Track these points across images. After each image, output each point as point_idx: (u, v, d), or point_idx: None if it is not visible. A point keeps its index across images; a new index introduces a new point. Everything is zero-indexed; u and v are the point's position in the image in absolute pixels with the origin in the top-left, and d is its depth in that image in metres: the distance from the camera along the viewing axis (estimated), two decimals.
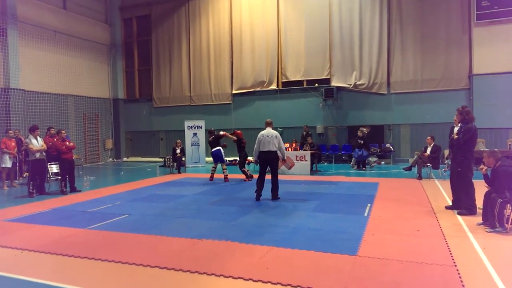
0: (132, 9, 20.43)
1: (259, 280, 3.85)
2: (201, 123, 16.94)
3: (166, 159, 15.11)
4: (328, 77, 16.37)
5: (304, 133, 15.23)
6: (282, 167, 12.92)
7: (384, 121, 15.75)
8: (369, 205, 7.39)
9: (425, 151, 11.05)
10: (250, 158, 13.05)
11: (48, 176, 10.42)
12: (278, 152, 8.28)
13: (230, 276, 3.98)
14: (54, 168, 10.37)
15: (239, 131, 12.23)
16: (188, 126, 16.69)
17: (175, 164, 14.24)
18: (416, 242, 4.97)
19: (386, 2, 15.37)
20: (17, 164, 11.90)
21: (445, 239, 5.08)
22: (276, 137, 8.27)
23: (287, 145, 13.42)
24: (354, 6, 15.81)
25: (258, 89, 17.59)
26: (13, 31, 14.67)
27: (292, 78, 17.02)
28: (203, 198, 8.72)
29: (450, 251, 4.60)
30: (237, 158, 17.19)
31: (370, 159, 14.67)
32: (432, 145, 10.92)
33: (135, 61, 20.79)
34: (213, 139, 11.80)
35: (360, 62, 15.82)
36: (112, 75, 20.39)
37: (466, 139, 6.37)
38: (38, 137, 9.71)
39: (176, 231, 5.80)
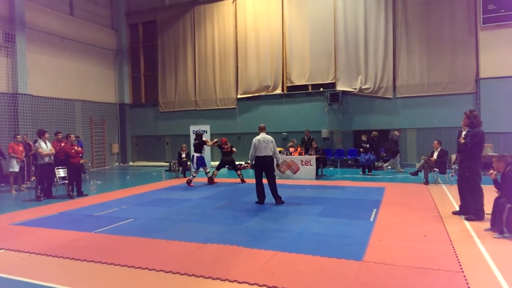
0: (138, 15, 20.62)
1: (264, 285, 3.84)
2: (207, 127, 16.97)
3: (171, 164, 15.12)
4: (333, 81, 16.35)
5: (306, 138, 15.20)
6: (287, 172, 12.91)
7: (390, 125, 15.67)
8: (375, 210, 7.35)
9: (432, 155, 10.96)
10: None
11: (56, 180, 10.51)
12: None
13: (235, 281, 3.97)
14: (61, 172, 10.45)
15: (224, 138, 13.31)
16: (193, 131, 16.73)
17: (181, 168, 14.28)
18: (423, 248, 4.93)
19: (391, 6, 15.35)
20: (25, 169, 12.01)
21: (452, 244, 5.03)
22: (271, 141, 8.42)
23: (292, 149, 13.41)
24: (359, 9, 15.81)
25: (263, 93, 17.62)
26: (21, 37, 14.87)
27: (297, 82, 17.03)
28: (208, 202, 8.73)
29: (457, 257, 4.55)
30: (242, 163, 17.29)
31: (377, 163, 14.60)
32: (439, 150, 10.84)
33: (141, 67, 20.95)
34: (198, 144, 12.03)
35: (366, 66, 15.80)
36: (119, 80, 20.56)
37: (473, 144, 6.31)
38: (46, 141, 9.82)
39: (181, 235, 5.81)
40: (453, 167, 11.42)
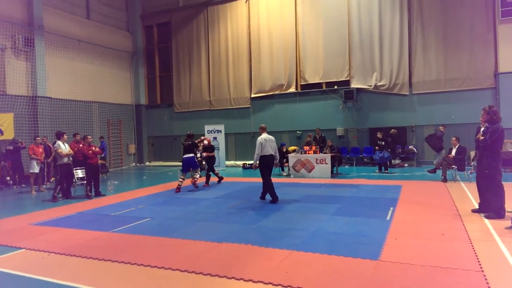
0: (153, 17, 20.86)
1: (279, 284, 3.83)
2: (221, 127, 17.06)
3: None
4: (347, 78, 16.20)
5: (317, 136, 15.10)
6: (302, 170, 12.85)
7: (406, 122, 15.43)
8: (391, 208, 7.24)
9: (450, 152, 10.74)
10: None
11: (74, 180, 10.74)
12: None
13: (250, 280, 3.98)
14: (79, 173, 10.66)
15: (208, 138, 13.05)
16: (208, 130, 16.85)
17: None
18: (441, 247, 4.83)
19: (407, 1, 15.09)
20: (45, 170, 12.31)
21: (471, 243, 4.92)
22: (273, 141, 8.71)
23: (307, 148, 13.35)
24: (373, 6, 15.61)
25: (277, 92, 17.59)
26: (40, 41, 15.24)
27: (311, 80, 16.93)
28: (223, 202, 8.77)
29: (476, 255, 4.44)
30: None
31: (394, 161, 14.39)
32: (457, 147, 10.62)
33: (156, 68, 21.20)
34: (190, 145, 11.03)
35: (381, 63, 15.58)
36: (134, 82, 20.86)
37: (493, 140, 6.16)
38: (65, 143, 10.04)
39: (197, 235, 5.86)
40: (472, 164, 11.17)
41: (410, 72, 15.22)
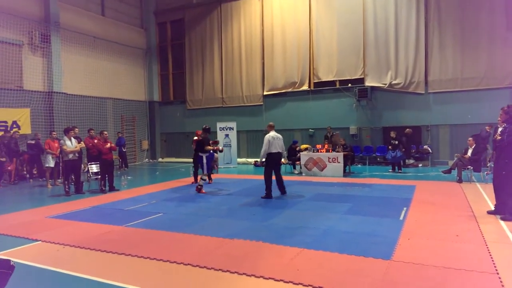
0: (166, 14, 20.98)
1: (290, 282, 3.83)
2: (233, 124, 17.09)
3: None
4: (362, 77, 16.03)
5: (328, 134, 15.01)
6: (314, 169, 12.79)
7: (421, 121, 15.21)
8: (405, 208, 7.16)
9: (466, 153, 10.56)
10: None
11: (89, 175, 10.90)
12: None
13: (261, 276, 3.99)
14: (94, 167, 10.82)
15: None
16: (220, 128, 16.90)
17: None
18: (455, 248, 4.76)
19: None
20: (60, 164, 12.53)
21: (486, 245, 4.83)
22: (281, 139, 8.95)
23: (319, 146, 13.29)
24: (389, 3, 15.39)
25: (290, 90, 17.52)
26: (56, 38, 15.49)
27: (324, 78, 16.82)
28: (235, 198, 8.80)
29: (491, 257, 4.36)
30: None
31: (408, 161, 14.23)
32: (473, 147, 10.43)
33: (169, 65, 21.33)
34: (203, 142, 9.76)
35: (396, 61, 15.37)
36: (148, 79, 21.04)
37: (510, 140, 6.03)
38: (72, 138, 10.15)
39: (209, 230, 5.89)
40: (488, 165, 10.95)
41: (426, 70, 14.98)
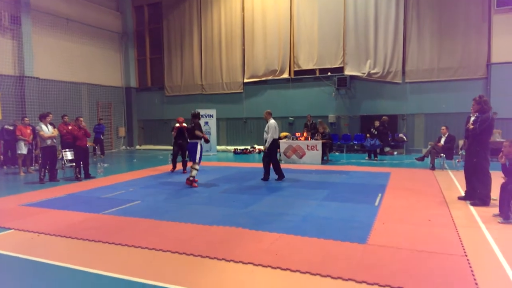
0: None
1: (269, 266, 3.89)
2: (213, 112, 16.97)
3: None
4: (341, 65, 16.16)
5: (308, 123, 15.16)
6: (293, 156, 12.91)
7: (398, 110, 15.54)
8: (380, 194, 7.35)
9: (439, 141, 10.89)
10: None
11: (63, 162, 10.63)
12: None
13: (240, 261, 4.03)
14: (68, 155, 10.55)
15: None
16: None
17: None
18: (427, 232, 4.94)
19: None
20: (33, 151, 12.16)
21: (456, 229, 5.04)
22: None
23: (298, 134, 13.40)
24: None
25: (270, 78, 17.49)
26: (27, 19, 14.82)
27: (305, 66, 16.86)
28: (215, 186, 8.79)
29: (461, 241, 4.56)
30: (248, 147, 17.33)
31: (386, 149, 14.60)
32: (446, 135, 10.76)
33: (146, 50, 20.85)
34: (194, 128, 8.98)
35: (375, 50, 15.55)
36: (124, 64, 20.52)
37: (482, 129, 6.24)
38: (48, 124, 9.85)
39: (188, 218, 5.88)
40: (460, 152, 11.35)
41: (404, 60, 15.24)
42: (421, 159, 11.27)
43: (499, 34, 13.69)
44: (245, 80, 18.05)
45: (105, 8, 19.27)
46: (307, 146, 12.75)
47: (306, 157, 12.74)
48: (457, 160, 10.84)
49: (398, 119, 15.61)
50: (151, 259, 4.21)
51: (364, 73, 15.72)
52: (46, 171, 9.74)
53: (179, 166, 11.47)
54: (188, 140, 9.18)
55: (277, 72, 17.27)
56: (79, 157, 10.12)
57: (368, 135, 13.31)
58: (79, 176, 10.01)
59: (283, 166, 10.77)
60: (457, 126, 13.01)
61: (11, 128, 12.43)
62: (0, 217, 6.13)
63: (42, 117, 9.86)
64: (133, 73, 20.80)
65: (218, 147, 17.86)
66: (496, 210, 5.67)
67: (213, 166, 12.61)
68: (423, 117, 15.28)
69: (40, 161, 10.26)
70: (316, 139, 12.94)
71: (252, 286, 3.48)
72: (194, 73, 19.27)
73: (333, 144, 15.37)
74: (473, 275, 3.59)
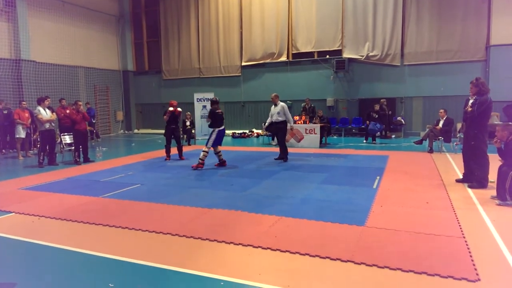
0: None
1: (268, 248, 3.94)
2: (210, 95, 16.81)
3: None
4: (339, 48, 16.02)
5: (306, 106, 15.11)
6: (291, 140, 12.92)
7: (396, 93, 15.49)
8: (378, 177, 7.40)
9: (437, 124, 10.89)
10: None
11: (62, 146, 10.60)
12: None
13: (239, 244, 4.07)
14: (67, 138, 10.52)
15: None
16: (197, 99, 16.66)
17: (185, 136, 14.32)
18: (425, 214, 4.99)
19: None
20: (31, 135, 12.11)
21: (454, 211, 5.09)
22: None
23: (297, 118, 13.38)
24: None
25: (268, 61, 17.34)
26: (22, 1, 14.54)
27: (303, 49, 16.70)
28: (214, 169, 8.82)
29: (459, 223, 4.61)
30: (247, 131, 17.30)
31: (388, 133, 14.71)
32: (444, 118, 10.76)
33: (143, 33, 20.57)
34: (214, 115, 8.97)
35: (374, 33, 15.39)
36: (121, 47, 20.27)
37: (480, 112, 6.24)
38: (46, 108, 9.79)
39: (187, 201, 5.92)
40: (458, 135, 11.37)
41: (403, 42, 15.12)
42: (419, 142, 11.30)
43: (498, 15, 13.56)
44: (243, 64, 17.89)
45: None
46: (305, 129, 12.75)
47: (304, 140, 12.74)
48: (455, 143, 10.88)
49: (396, 102, 15.58)
50: (151, 242, 4.25)
51: (362, 56, 15.60)
52: (45, 155, 9.72)
53: (174, 151, 11.39)
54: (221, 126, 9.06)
55: (275, 55, 17.11)
56: (78, 141, 10.09)
57: (368, 122, 13.29)
58: (78, 160, 10.00)
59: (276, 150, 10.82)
60: (455, 109, 13.02)
61: (6, 112, 12.24)
62: (0, 201, 6.15)
63: (40, 101, 9.79)
64: (130, 56, 20.57)
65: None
66: (493, 192, 5.72)
67: (211, 149, 12.59)
68: (421, 100, 15.25)
69: (38, 145, 10.21)
70: (315, 123, 12.92)
71: (252, 268, 3.53)
72: (191, 56, 19.07)
73: (331, 127, 15.39)
74: (470, 256, 3.64)
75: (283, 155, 9.68)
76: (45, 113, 9.65)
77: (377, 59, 15.46)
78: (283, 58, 17.01)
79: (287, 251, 3.85)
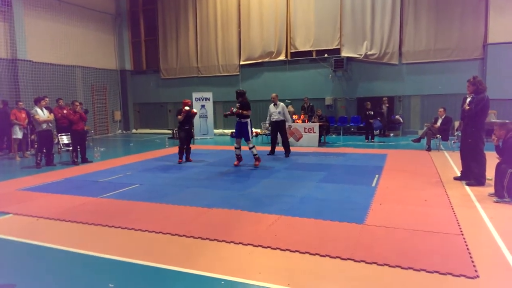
0: None
1: (268, 247, 3.95)
2: (209, 94, 16.85)
3: (174, 131, 15.10)
4: (338, 47, 16.02)
5: (305, 105, 15.12)
6: (290, 139, 12.91)
7: (394, 92, 15.51)
8: (377, 175, 7.42)
9: (435, 122, 10.92)
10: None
11: (59, 147, 10.57)
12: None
13: (240, 243, 4.08)
14: (65, 139, 10.49)
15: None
16: (196, 98, 16.63)
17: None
18: (424, 212, 5.01)
19: None
20: (28, 136, 12.07)
21: (452, 209, 5.11)
22: None
23: (296, 117, 13.40)
24: None
25: (266, 60, 17.32)
26: (18, 0, 14.47)
27: (301, 48, 16.69)
28: (213, 169, 8.82)
29: (457, 220, 4.63)
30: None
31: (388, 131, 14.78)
32: (443, 117, 10.79)
33: (141, 32, 20.50)
34: (243, 107, 9.12)
35: (372, 31, 15.39)
36: (119, 46, 20.20)
37: (478, 110, 6.26)
38: (43, 108, 9.75)
39: (187, 200, 5.92)
40: (455, 134, 11.41)
41: (401, 41, 15.12)
42: (417, 140, 11.34)
43: (495, 14, 13.57)
44: (241, 62, 17.87)
45: None
46: (304, 128, 12.75)
47: (303, 139, 12.75)
48: (453, 141, 10.91)
49: (394, 100, 15.60)
50: (151, 242, 4.25)
51: (361, 55, 15.61)
52: (43, 155, 9.70)
53: (174, 151, 11.39)
54: (242, 120, 9.02)
55: (274, 54, 17.10)
56: (76, 141, 10.06)
57: (371, 120, 13.29)
58: (76, 160, 9.97)
59: (280, 149, 10.84)
60: (453, 108, 13.04)
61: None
62: None
63: (37, 101, 9.75)
64: (127, 55, 20.51)
65: (215, 131, 17.82)
66: (491, 190, 5.75)
67: (210, 149, 12.62)
68: (419, 99, 15.28)
69: (36, 146, 10.17)
70: (313, 122, 12.93)
71: (252, 267, 3.54)
72: (189, 55, 19.03)
73: (330, 126, 15.40)
74: (469, 253, 3.66)
75: (287, 151, 10.51)
76: (42, 114, 9.62)
77: (375, 58, 15.47)
78: (282, 57, 17.00)
79: (287, 249, 3.86)
